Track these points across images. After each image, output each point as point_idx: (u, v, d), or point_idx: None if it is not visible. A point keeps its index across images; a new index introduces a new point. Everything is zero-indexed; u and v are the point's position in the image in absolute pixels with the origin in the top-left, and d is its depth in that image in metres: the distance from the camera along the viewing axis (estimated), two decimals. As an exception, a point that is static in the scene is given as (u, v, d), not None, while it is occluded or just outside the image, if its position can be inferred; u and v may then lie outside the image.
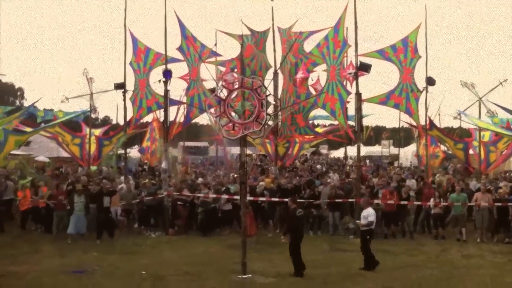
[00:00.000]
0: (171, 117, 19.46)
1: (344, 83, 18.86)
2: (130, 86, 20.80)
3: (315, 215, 17.46)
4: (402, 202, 16.80)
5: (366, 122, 36.54)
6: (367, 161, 42.46)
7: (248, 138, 14.41)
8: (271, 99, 15.69)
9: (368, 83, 24.37)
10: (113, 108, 45.85)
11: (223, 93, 11.61)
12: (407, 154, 41.55)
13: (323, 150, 58.55)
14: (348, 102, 19.21)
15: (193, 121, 22.15)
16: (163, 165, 19.32)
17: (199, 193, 17.51)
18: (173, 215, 17.56)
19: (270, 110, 15.04)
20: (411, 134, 36.18)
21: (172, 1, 19.73)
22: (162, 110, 19.72)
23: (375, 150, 51.97)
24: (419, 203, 17.25)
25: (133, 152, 33.47)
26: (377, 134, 55.63)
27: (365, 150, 44.99)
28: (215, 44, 21.81)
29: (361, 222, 12.57)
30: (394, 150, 47.04)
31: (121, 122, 23.62)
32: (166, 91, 18.81)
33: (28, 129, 21.49)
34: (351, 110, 19.36)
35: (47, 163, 26.47)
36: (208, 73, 21.65)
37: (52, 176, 20.58)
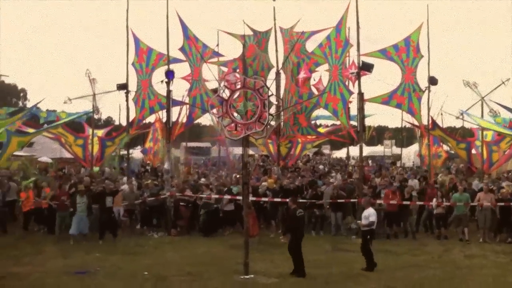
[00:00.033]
0: (174, 118, 19.51)
1: (346, 83, 18.86)
2: (132, 86, 20.88)
3: (317, 215, 17.45)
4: (405, 202, 16.76)
5: (368, 122, 36.32)
6: (370, 161, 42.42)
7: (251, 139, 14.42)
8: (273, 99, 15.76)
9: (371, 83, 24.44)
10: (116, 108, 46.17)
11: (225, 94, 11.60)
12: (410, 154, 41.45)
13: (326, 150, 58.37)
14: (351, 102, 19.16)
15: (196, 121, 22.25)
16: (166, 165, 19.36)
17: (201, 194, 17.52)
18: (176, 215, 17.55)
19: (273, 110, 15.10)
20: (414, 134, 36.15)
21: (174, 2, 19.85)
22: (164, 111, 19.72)
23: (377, 150, 51.79)
24: (421, 203, 17.21)
25: (136, 153, 33.48)
26: (379, 134, 55.36)
27: (367, 150, 44.70)
28: (217, 45, 21.91)
29: (362, 222, 12.57)
30: (396, 150, 46.95)
31: (124, 123, 23.64)
32: (169, 92, 18.80)
33: (31, 130, 21.48)
34: (354, 110, 19.29)
35: (50, 164, 26.50)
36: (210, 74, 21.63)
37: (55, 177, 20.62)
